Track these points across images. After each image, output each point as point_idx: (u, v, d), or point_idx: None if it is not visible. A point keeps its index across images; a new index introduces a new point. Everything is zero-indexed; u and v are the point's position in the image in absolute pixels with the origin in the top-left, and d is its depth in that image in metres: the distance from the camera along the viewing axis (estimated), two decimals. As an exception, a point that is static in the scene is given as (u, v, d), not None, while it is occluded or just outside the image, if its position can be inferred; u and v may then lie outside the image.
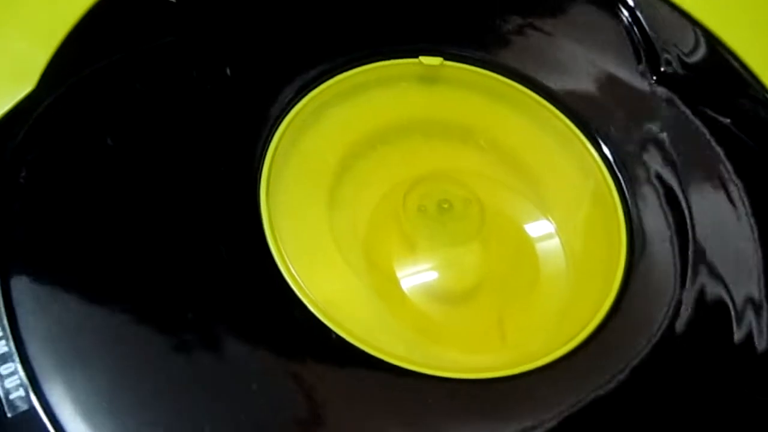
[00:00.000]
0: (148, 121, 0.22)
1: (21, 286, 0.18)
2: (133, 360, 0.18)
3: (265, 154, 0.22)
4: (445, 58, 0.25)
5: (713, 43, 0.26)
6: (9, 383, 0.15)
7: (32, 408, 0.15)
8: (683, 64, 0.26)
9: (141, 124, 0.22)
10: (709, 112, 0.25)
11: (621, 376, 0.20)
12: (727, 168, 0.24)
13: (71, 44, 0.21)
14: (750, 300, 0.21)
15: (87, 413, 0.16)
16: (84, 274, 0.19)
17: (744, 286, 0.21)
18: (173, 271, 0.19)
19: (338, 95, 0.24)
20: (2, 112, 0.20)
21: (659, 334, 0.21)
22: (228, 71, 0.23)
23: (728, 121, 0.25)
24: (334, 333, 0.19)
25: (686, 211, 0.23)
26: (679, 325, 0.21)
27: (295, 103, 0.23)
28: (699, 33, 0.26)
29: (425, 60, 0.25)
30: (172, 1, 0.24)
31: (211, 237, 0.20)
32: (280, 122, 0.23)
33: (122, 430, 0.16)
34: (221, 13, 0.25)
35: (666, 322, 0.21)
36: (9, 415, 0.15)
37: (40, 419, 0.15)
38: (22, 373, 0.15)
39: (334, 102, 0.24)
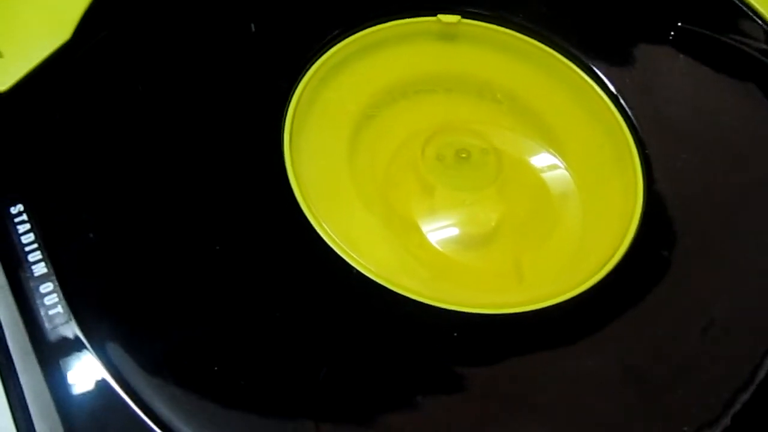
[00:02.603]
0: (180, 72, 0.23)
1: (55, 216, 0.19)
2: (162, 286, 0.19)
3: (290, 102, 0.23)
4: (463, 16, 0.26)
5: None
6: (48, 300, 0.16)
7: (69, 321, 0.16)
8: (699, 19, 0.26)
9: (173, 74, 0.23)
10: (726, 64, 0.26)
11: (632, 316, 0.21)
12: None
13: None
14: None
15: (114, 326, 0.17)
16: (114, 207, 0.20)
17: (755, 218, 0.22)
18: (204, 207, 0.20)
19: (360, 50, 0.25)
20: (40, 59, 0.21)
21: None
22: (252, 27, 0.24)
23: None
24: (355, 269, 0.20)
25: (701, 159, 0.24)
26: (692, 265, 0.21)
27: (319, 57, 0.24)
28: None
29: (443, 18, 0.26)
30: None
31: (238, 179, 0.21)
32: (305, 74, 0.24)
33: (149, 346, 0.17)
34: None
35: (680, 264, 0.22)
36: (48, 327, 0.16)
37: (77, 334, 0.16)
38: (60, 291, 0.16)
39: (356, 56, 0.25)
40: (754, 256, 0.22)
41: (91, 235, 0.19)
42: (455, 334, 0.19)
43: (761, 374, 0.20)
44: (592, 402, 0.19)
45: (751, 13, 0.26)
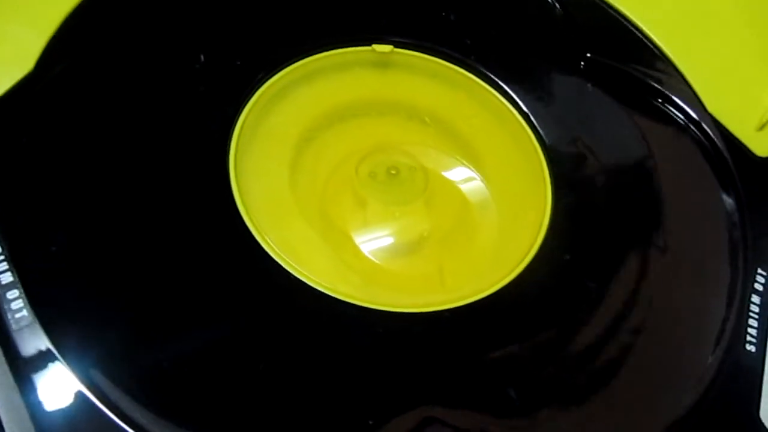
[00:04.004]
0: (134, 99, 0.25)
1: (20, 230, 0.21)
2: (117, 294, 0.21)
3: (235, 126, 0.25)
4: (395, 46, 0.28)
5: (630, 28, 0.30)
6: (14, 306, 0.19)
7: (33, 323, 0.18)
8: (605, 50, 0.29)
9: (128, 102, 0.25)
10: (628, 91, 0.29)
11: (541, 313, 0.23)
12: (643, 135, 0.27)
13: (67, 29, 0.24)
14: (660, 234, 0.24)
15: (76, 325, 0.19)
16: (73, 223, 0.22)
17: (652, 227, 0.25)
18: (156, 222, 0.23)
19: (301, 78, 0.27)
20: (4, 90, 0.23)
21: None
22: (202, 58, 0.27)
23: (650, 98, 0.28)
24: (293, 275, 0.23)
25: (604, 174, 0.27)
26: (598, 267, 0.24)
27: (262, 84, 0.27)
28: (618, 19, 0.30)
29: (378, 47, 0.28)
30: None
31: (188, 197, 0.23)
32: (248, 101, 0.26)
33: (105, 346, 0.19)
34: (198, 8, 0.28)
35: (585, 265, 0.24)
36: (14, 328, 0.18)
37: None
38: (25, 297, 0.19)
39: (297, 84, 0.27)
40: (647, 262, 0.25)
41: (54, 248, 0.21)
42: (380, 330, 0.22)
43: (654, 365, 0.23)
44: (503, 392, 0.22)
45: (647, 43, 0.29)
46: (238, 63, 0.27)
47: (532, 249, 0.25)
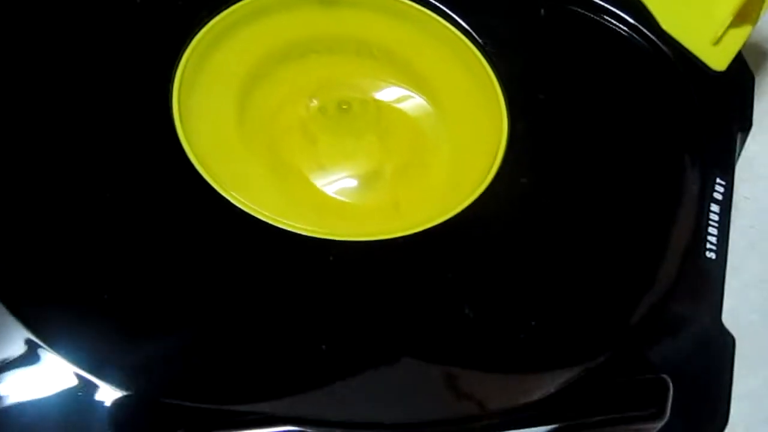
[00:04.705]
0: (74, 40, 0.24)
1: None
2: (65, 235, 0.20)
3: (177, 67, 0.25)
4: (341, -19, 0.28)
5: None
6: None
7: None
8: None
9: (66, 42, 0.24)
10: (582, 13, 0.28)
11: (498, 235, 0.23)
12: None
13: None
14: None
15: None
16: (19, 170, 0.21)
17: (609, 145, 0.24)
18: (100, 161, 0.22)
19: (245, 16, 0.27)
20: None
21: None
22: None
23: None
24: (240, 208, 0.22)
25: (559, 97, 0.26)
26: (554, 188, 0.24)
27: (205, 24, 0.26)
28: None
29: (324, -16, 0.28)
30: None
31: (132, 138, 0.23)
32: (191, 40, 0.25)
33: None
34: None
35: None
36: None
37: None
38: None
39: (241, 22, 0.27)
40: (603, 176, 0.25)
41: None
42: (331, 258, 0.21)
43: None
44: (457, 317, 0.21)
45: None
46: (180, 2, 0.26)
47: (488, 175, 0.24)
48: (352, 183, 0.25)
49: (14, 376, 0.18)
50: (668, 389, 0.20)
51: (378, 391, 0.20)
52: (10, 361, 0.18)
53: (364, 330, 0.20)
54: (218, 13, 0.26)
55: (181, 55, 0.25)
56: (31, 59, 0.23)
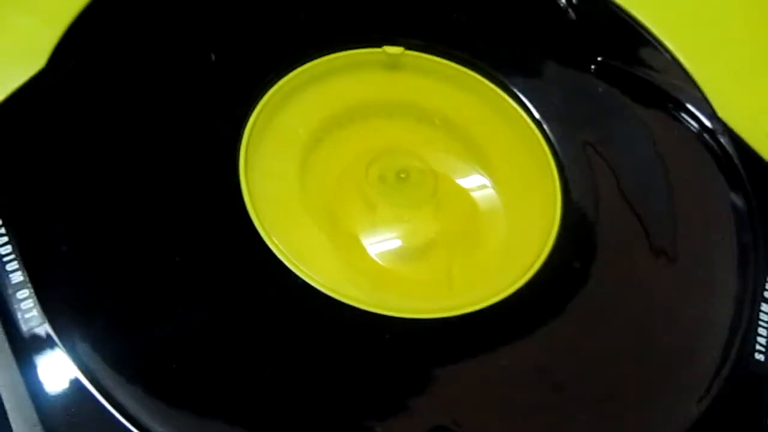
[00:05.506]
0: (145, 99, 0.25)
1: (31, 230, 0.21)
2: (128, 293, 0.21)
3: (245, 127, 0.25)
4: (406, 48, 0.28)
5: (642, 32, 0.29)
6: (24, 305, 0.19)
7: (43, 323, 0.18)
8: (616, 54, 0.29)
9: (139, 101, 0.25)
10: (639, 95, 0.29)
11: (549, 321, 0.23)
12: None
13: (79, 25, 0.24)
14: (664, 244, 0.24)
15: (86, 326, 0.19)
16: (85, 223, 0.22)
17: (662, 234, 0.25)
18: (166, 222, 0.23)
19: (310, 80, 0.27)
20: (15, 86, 0.23)
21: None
22: (213, 57, 0.27)
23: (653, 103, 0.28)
24: (301, 278, 0.23)
25: (615, 180, 0.27)
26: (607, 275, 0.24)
27: (273, 85, 0.27)
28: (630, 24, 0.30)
29: (388, 49, 0.28)
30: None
31: (198, 198, 0.23)
32: (258, 102, 0.26)
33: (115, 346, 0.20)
34: (209, 7, 0.28)
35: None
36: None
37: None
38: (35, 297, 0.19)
39: (307, 85, 0.27)
40: (657, 269, 0.25)
41: (64, 248, 0.21)
42: (387, 336, 0.22)
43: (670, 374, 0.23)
44: (512, 398, 0.22)
45: (659, 47, 0.29)
46: (249, 63, 0.27)
47: (541, 256, 0.25)
48: (407, 253, 0.25)
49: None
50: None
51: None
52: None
53: (415, 412, 0.21)
54: (285, 75, 0.27)
55: (249, 116, 0.26)
56: (104, 119, 0.24)
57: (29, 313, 0.19)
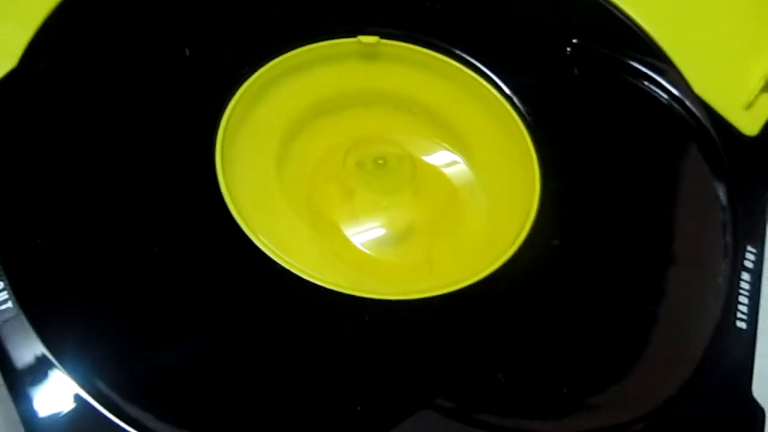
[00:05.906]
0: (120, 94, 0.25)
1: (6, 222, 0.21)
2: (104, 287, 0.21)
3: (220, 121, 0.25)
4: (381, 37, 0.28)
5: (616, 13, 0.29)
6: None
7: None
8: (592, 36, 0.29)
9: (114, 96, 0.25)
10: (615, 76, 0.29)
11: (530, 299, 0.23)
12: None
13: (51, 25, 0.24)
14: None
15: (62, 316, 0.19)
16: (60, 216, 0.22)
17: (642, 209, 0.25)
18: (143, 214, 0.23)
19: (286, 71, 0.27)
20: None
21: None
22: (187, 52, 0.27)
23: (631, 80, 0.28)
24: (280, 265, 0.23)
25: (592, 159, 0.27)
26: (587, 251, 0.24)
27: (247, 78, 0.27)
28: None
29: (363, 39, 0.28)
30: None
31: (175, 189, 0.23)
32: (234, 94, 0.26)
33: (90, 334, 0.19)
34: (183, 2, 0.28)
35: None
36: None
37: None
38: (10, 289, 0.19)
39: (282, 77, 0.27)
40: (637, 244, 0.25)
41: (40, 241, 0.21)
42: (368, 318, 0.22)
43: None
44: (493, 375, 0.22)
45: (634, 27, 0.29)
46: (224, 56, 0.27)
47: (520, 235, 0.25)
48: (387, 238, 0.25)
49: None
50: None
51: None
52: None
53: (397, 392, 0.21)
54: (260, 67, 0.27)
55: (225, 109, 0.26)
56: (79, 117, 0.24)
57: (3, 305, 0.19)
